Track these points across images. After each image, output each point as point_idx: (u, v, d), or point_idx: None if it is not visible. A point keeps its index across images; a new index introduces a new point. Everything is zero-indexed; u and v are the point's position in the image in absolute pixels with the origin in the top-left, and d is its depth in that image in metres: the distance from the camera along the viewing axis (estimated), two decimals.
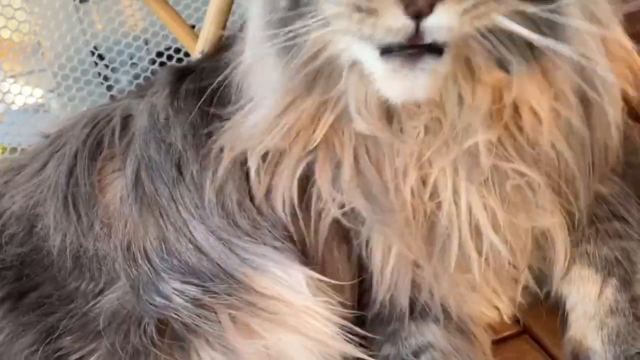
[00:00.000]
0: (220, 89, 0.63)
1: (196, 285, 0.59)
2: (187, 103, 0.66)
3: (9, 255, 0.63)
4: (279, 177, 0.59)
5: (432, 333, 0.62)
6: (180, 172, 0.62)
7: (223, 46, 0.82)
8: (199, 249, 0.60)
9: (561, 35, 0.50)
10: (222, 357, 0.60)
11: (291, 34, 0.49)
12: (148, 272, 0.61)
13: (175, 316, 0.59)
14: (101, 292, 0.61)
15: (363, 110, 0.55)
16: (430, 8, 0.44)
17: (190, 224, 0.61)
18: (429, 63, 0.47)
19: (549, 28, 0.49)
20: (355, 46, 0.50)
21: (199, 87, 0.67)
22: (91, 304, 0.61)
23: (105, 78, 1.34)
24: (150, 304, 0.59)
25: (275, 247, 0.60)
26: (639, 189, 0.69)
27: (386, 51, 0.47)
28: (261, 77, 0.58)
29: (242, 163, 0.61)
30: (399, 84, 0.48)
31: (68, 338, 0.60)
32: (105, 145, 0.66)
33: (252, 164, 0.60)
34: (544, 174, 0.58)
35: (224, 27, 0.95)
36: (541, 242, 0.62)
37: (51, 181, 0.65)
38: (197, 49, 0.95)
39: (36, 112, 1.34)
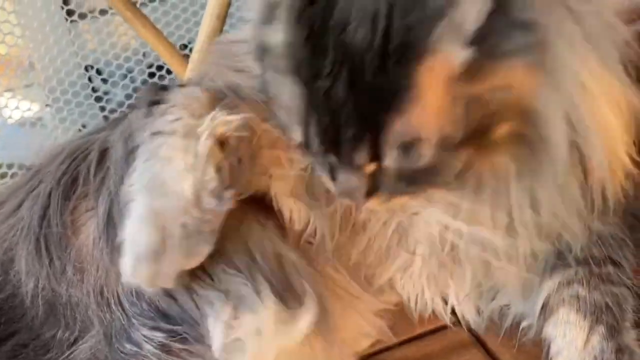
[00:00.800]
0: None
1: (164, 331, 0.57)
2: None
3: None
4: None
5: None
6: None
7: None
8: (168, 293, 0.58)
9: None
10: None
11: None
12: (120, 317, 0.59)
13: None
14: (76, 340, 0.60)
15: None
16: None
17: None
18: None
19: None
20: None
21: None
22: (66, 354, 0.59)
23: (99, 97, 1.34)
24: (121, 352, 0.58)
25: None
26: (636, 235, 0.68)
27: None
28: None
29: None
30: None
31: None
32: (80, 182, 0.64)
33: None
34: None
35: None
36: None
37: (24, 223, 0.63)
38: (187, 75, 0.95)
39: (32, 127, 1.34)
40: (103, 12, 1.24)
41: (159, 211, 0.51)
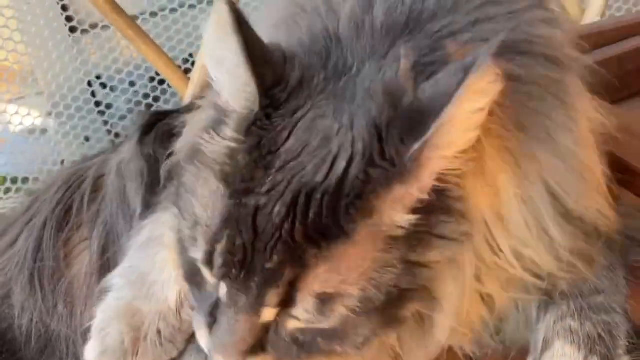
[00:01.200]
0: None
1: None
2: (154, 149, 0.65)
3: None
4: None
5: None
6: None
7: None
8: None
9: None
10: None
11: None
12: None
13: None
14: None
15: None
16: None
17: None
18: None
19: None
20: None
21: (169, 135, 0.64)
22: None
23: (101, 111, 1.35)
24: None
25: None
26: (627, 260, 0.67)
27: None
28: None
29: None
30: None
31: None
32: (73, 212, 0.64)
33: None
34: None
35: None
36: None
37: (20, 256, 0.63)
38: (189, 93, 0.96)
39: (35, 137, 1.35)
40: (105, 27, 1.25)
41: (138, 310, 0.52)
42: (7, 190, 1.22)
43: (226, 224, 0.43)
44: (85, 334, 0.58)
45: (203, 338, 0.47)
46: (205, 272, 0.45)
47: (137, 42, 1.03)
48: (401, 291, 0.44)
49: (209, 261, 0.44)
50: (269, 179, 0.42)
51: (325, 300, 0.43)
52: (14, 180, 1.24)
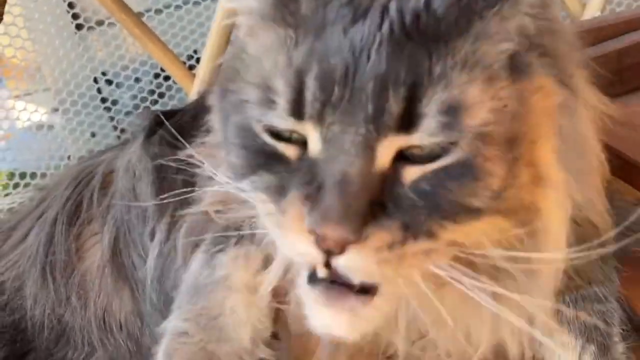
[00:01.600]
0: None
1: None
2: (160, 149, 0.64)
3: (3, 321, 0.64)
4: None
5: None
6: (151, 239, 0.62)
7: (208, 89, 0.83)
8: None
9: None
10: None
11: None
12: (126, 346, 0.61)
13: None
14: None
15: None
16: (341, 249, 0.37)
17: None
18: (354, 305, 0.40)
19: None
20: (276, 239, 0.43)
21: (179, 133, 0.62)
22: None
23: (107, 107, 1.37)
24: None
25: None
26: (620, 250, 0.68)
27: (314, 276, 0.40)
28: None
29: None
30: (321, 318, 0.42)
31: None
32: (84, 207, 0.66)
33: None
34: None
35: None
36: None
37: (31, 250, 0.65)
38: (194, 89, 0.97)
39: (42, 132, 1.37)
40: (111, 24, 1.26)
41: (213, 354, 0.51)
42: (16, 185, 1.24)
43: (311, 53, 0.38)
44: (99, 324, 0.60)
45: (295, 219, 0.39)
46: (289, 129, 0.39)
47: (143, 39, 1.04)
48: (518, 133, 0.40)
49: (297, 103, 0.38)
50: None
51: (450, 112, 0.37)
52: (22, 176, 1.26)
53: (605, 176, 0.57)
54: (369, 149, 0.38)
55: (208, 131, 0.57)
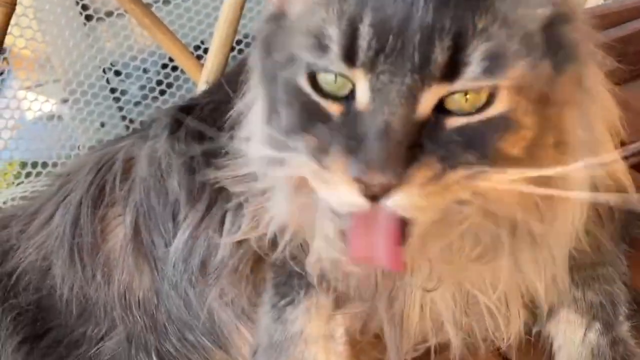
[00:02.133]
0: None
1: (175, 348, 0.64)
2: (187, 145, 0.67)
3: (26, 301, 0.67)
4: None
5: None
6: (176, 223, 0.65)
7: (224, 82, 0.85)
8: (188, 304, 0.63)
9: None
10: None
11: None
12: (142, 322, 0.64)
13: None
14: (102, 338, 0.65)
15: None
16: (385, 193, 0.40)
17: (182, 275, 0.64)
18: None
19: None
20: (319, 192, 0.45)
21: (199, 128, 0.67)
22: (94, 349, 0.65)
23: (116, 97, 1.39)
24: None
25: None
26: (628, 233, 0.71)
27: None
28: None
29: None
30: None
31: None
32: (107, 191, 0.68)
33: None
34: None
35: (227, 59, 0.99)
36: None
37: (58, 232, 0.68)
38: (202, 80, 0.99)
39: (52, 123, 1.39)
40: (120, 15, 1.28)
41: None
42: (28, 174, 1.26)
43: (364, 1, 0.40)
44: (121, 300, 0.63)
45: (340, 171, 0.41)
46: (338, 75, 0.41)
47: (152, 29, 1.05)
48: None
49: (350, 50, 0.40)
50: None
51: (491, 60, 0.39)
52: (34, 165, 1.28)
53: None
54: (412, 98, 0.40)
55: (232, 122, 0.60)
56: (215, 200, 0.64)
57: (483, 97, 0.41)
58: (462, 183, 0.41)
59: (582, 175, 0.49)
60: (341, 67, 0.42)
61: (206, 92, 0.83)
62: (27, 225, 0.70)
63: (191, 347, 0.64)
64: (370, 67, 0.41)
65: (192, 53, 1.20)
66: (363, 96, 0.42)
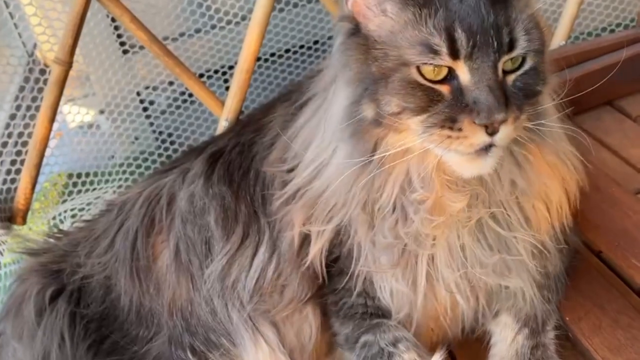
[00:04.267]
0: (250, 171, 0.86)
1: (202, 343, 0.84)
2: (219, 188, 0.88)
3: (93, 311, 0.87)
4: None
5: (403, 331, 0.83)
6: (209, 249, 0.85)
7: (243, 122, 1.04)
8: (214, 312, 0.84)
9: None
10: None
11: (370, 138, 0.71)
12: (180, 326, 0.84)
13: None
14: (151, 339, 0.85)
15: (422, 182, 0.73)
16: (499, 127, 0.65)
17: (212, 289, 0.84)
18: (493, 152, 0.68)
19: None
20: (442, 150, 0.69)
21: (229, 172, 0.89)
22: (144, 348, 0.85)
23: (148, 115, 1.58)
24: (177, 357, 0.84)
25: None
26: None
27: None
28: (332, 159, 0.76)
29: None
30: (475, 166, 0.69)
31: None
32: (156, 222, 0.89)
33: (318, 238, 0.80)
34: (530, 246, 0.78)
35: (243, 100, 1.18)
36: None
37: (119, 255, 0.88)
38: (223, 118, 1.19)
39: (89, 129, 1.57)
40: None
41: None
42: (75, 184, 1.46)
43: (449, 17, 0.65)
44: (169, 308, 0.84)
45: (469, 124, 0.65)
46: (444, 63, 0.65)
47: (177, 70, 1.22)
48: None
49: (453, 49, 0.64)
50: None
51: (527, 34, 0.67)
52: (79, 175, 1.48)
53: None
54: (495, 67, 0.66)
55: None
56: (247, 234, 0.85)
57: (520, 59, 0.68)
58: (523, 122, 0.69)
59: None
60: (449, 61, 0.66)
61: (231, 133, 1.01)
62: (93, 248, 0.90)
63: (213, 346, 0.84)
64: (469, 57, 0.65)
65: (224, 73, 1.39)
66: (465, 76, 0.66)
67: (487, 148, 0.67)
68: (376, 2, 0.69)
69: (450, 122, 0.66)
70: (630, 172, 1.12)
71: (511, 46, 0.66)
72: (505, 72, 0.68)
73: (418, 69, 0.66)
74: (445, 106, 0.66)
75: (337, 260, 0.82)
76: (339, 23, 0.73)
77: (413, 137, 0.69)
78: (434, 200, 0.74)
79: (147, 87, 1.56)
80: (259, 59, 1.25)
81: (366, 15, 0.70)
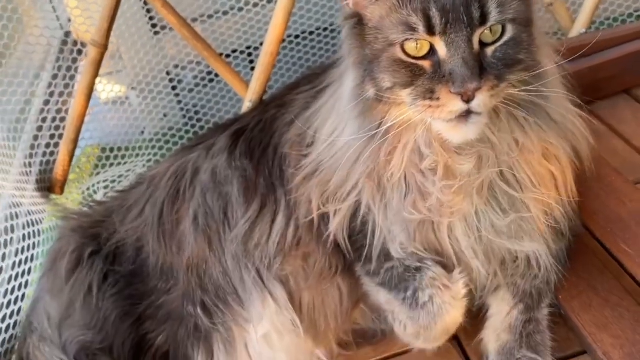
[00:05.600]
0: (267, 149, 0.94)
1: (211, 299, 0.92)
2: (241, 163, 0.96)
3: (125, 269, 0.96)
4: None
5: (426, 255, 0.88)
6: (225, 215, 0.94)
7: (267, 101, 1.13)
8: (225, 272, 0.92)
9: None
10: (223, 347, 0.93)
11: (377, 115, 0.79)
12: (194, 282, 0.93)
13: (199, 322, 0.93)
14: (167, 291, 0.94)
15: (428, 148, 0.80)
16: (474, 95, 0.72)
17: (226, 251, 0.92)
18: (474, 119, 0.74)
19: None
20: (428, 119, 0.76)
21: (251, 147, 0.98)
22: (161, 300, 0.94)
23: (177, 93, 1.66)
24: (186, 312, 0.93)
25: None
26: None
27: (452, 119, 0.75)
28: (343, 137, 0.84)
29: None
30: (458, 133, 0.76)
31: (148, 322, 0.94)
32: (180, 193, 0.98)
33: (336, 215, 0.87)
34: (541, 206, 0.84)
35: (267, 82, 1.25)
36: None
37: (149, 222, 0.97)
38: (247, 99, 1.25)
39: (121, 105, 1.64)
40: None
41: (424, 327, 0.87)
42: (107, 158, 1.54)
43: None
44: (187, 266, 0.94)
45: (446, 94, 0.72)
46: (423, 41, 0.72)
47: (198, 47, 1.28)
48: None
49: (429, 26, 0.71)
50: None
51: (499, 7, 0.72)
52: (111, 150, 1.57)
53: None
54: (469, 41, 0.72)
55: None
56: (265, 204, 0.93)
57: (499, 29, 0.74)
58: (503, 90, 0.75)
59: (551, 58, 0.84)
60: (426, 37, 0.73)
61: (255, 111, 1.10)
62: (126, 216, 1.00)
63: (222, 303, 0.93)
64: (444, 32, 0.72)
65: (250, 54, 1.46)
66: (442, 50, 0.73)
67: (467, 115, 0.74)
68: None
69: (430, 93, 0.73)
70: (638, 160, 1.16)
71: (483, 19, 0.72)
72: (486, 44, 0.74)
73: (402, 47, 0.74)
74: (426, 79, 0.74)
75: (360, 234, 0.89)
76: (343, 22, 0.81)
77: (407, 108, 0.77)
78: (444, 164, 0.81)
79: (176, 66, 1.63)
80: (283, 40, 1.31)
81: (362, 5, 0.79)
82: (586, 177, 0.89)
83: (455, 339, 0.95)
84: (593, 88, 1.29)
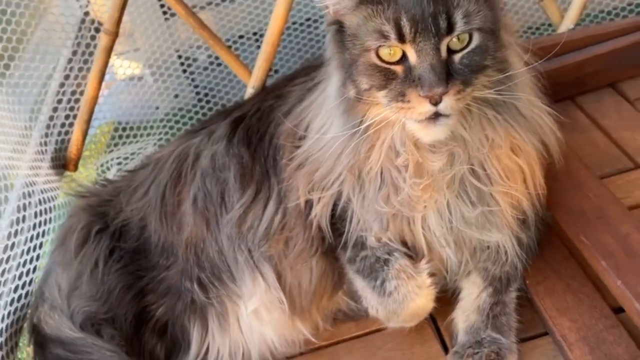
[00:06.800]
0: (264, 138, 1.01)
1: (207, 276, 1.00)
2: (239, 150, 1.04)
3: (130, 246, 1.04)
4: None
5: (397, 246, 0.95)
6: (222, 199, 1.02)
7: (268, 89, 1.20)
8: (221, 251, 1.00)
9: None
10: (217, 321, 1.01)
11: (358, 113, 0.85)
12: (192, 260, 1.01)
13: (195, 296, 1.01)
14: (168, 267, 1.02)
15: (402, 146, 0.87)
16: (441, 99, 0.78)
17: (222, 232, 1.00)
18: (442, 121, 0.81)
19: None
20: (402, 118, 0.82)
21: (248, 135, 1.05)
22: (161, 275, 1.02)
23: (187, 76, 1.73)
24: (184, 287, 1.01)
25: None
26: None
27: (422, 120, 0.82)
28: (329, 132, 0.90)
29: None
30: (428, 133, 0.82)
31: (149, 295, 1.02)
32: (182, 176, 1.05)
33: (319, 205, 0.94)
34: (509, 199, 0.91)
35: (269, 69, 1.31)
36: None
37: (152, 202, 1.05)
38: (250, 85, 1.33)
39: (138, 82, 1.72)
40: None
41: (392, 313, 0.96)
42: (120, 137, 1.62)
43: (398, 9, 0.77)
44: (186, 245, 1.02)
45: (416, 97, 0.78)
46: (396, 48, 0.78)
47: (204, 35, 1.35)
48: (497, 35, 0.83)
49: (400, 34, 0.77)
50: None
51: (465, 18, 0.78)
52: (124, 129, 1.64)
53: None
54: (437, 48, 0.78)
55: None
56: (259, 190, 1.01)
57: (466, 37, 0.80)
58: (470, 93, 0.81)
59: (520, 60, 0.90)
60: (398, 44, 0.79)
61: (255, 99, 1.17)
62: (131, 196, 1.08)
63: (216, 280, 1.00)
64: (413, 40, 0.78)
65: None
66: (412, 56, 0.79)
67: (436, 117, 0.80)
68: (346, 4, 0.84)
69: (402, 96, 0.80)
70: (616, 153, 1.21)
71: (450, 29, 0.78)
72: (454, 51, 0.79)
73: (377, 53, 0.80)
74: (398, 82, 0.80)
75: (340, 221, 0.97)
76: (327, 27, 0.88)
77: (384, 108, 0.83)
78: (415, 162, 0.87)
79: (186, 49, 1.70)
80: (288, 27, 1.36)
81: (341, 13, 0.85)
82: (556, 170, 0.95)
83: (430, 317, 1.03)
84: (579, 81, 1.35)
